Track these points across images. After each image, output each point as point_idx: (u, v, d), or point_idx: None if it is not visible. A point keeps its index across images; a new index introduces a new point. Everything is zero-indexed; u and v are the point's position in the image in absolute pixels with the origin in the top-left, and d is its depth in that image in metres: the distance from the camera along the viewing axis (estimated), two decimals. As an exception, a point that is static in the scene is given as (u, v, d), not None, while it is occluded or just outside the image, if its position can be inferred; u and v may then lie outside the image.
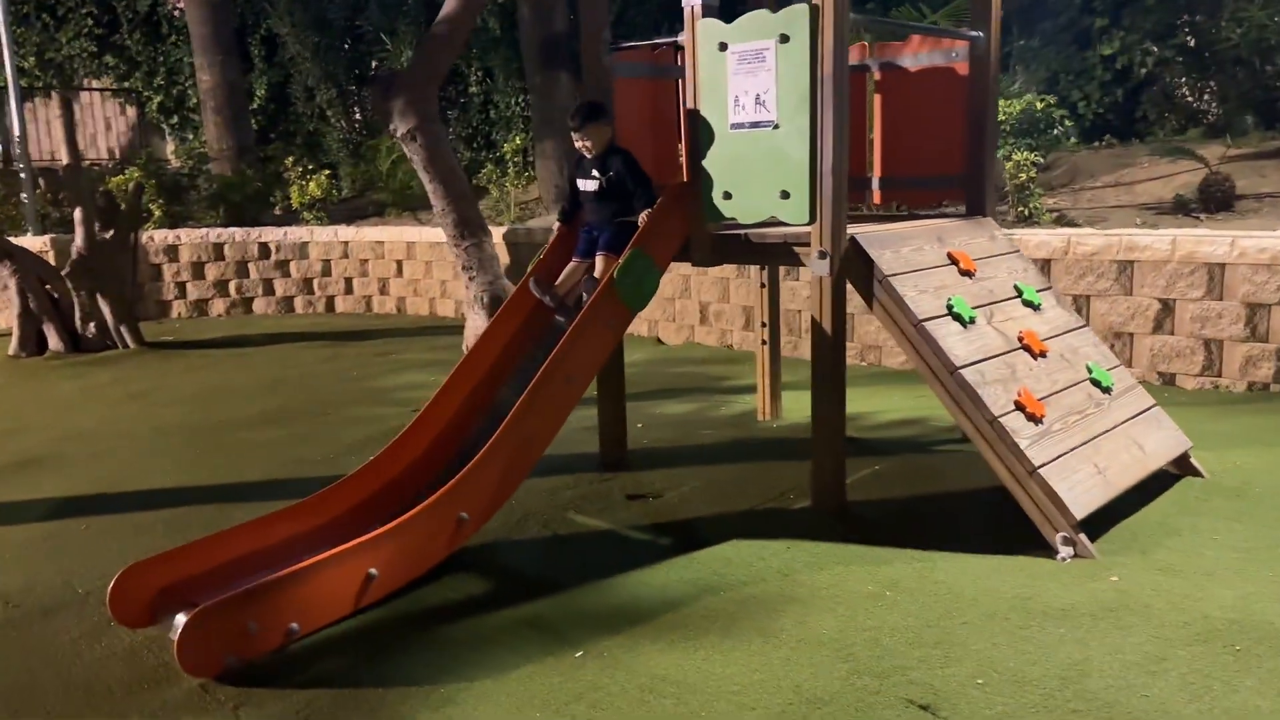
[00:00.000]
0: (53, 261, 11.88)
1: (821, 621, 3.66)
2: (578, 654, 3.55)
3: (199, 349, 11.26)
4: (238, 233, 14.24)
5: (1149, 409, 4.93)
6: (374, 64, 16.56)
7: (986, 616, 3.63)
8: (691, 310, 10.25)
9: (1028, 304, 4.96)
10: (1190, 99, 10.76)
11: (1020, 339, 4.70)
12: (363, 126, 17.25)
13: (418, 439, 4.82)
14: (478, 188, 15.72)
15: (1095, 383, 4.78)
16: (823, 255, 4.55)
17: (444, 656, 3.61)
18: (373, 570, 3.95)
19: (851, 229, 4.64)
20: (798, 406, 6.80)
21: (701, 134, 4.86)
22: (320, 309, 14.19)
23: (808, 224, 4.59)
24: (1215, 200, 8.00)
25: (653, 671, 3.39)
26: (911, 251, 4.73)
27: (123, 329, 11.07)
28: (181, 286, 14.03)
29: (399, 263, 13.89)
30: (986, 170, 5.38)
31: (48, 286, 11.01)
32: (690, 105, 4.91)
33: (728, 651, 3.49)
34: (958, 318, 4.54)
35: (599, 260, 4.89)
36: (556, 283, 4.97)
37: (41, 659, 3.83)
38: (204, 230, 14.22)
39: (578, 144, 4.86)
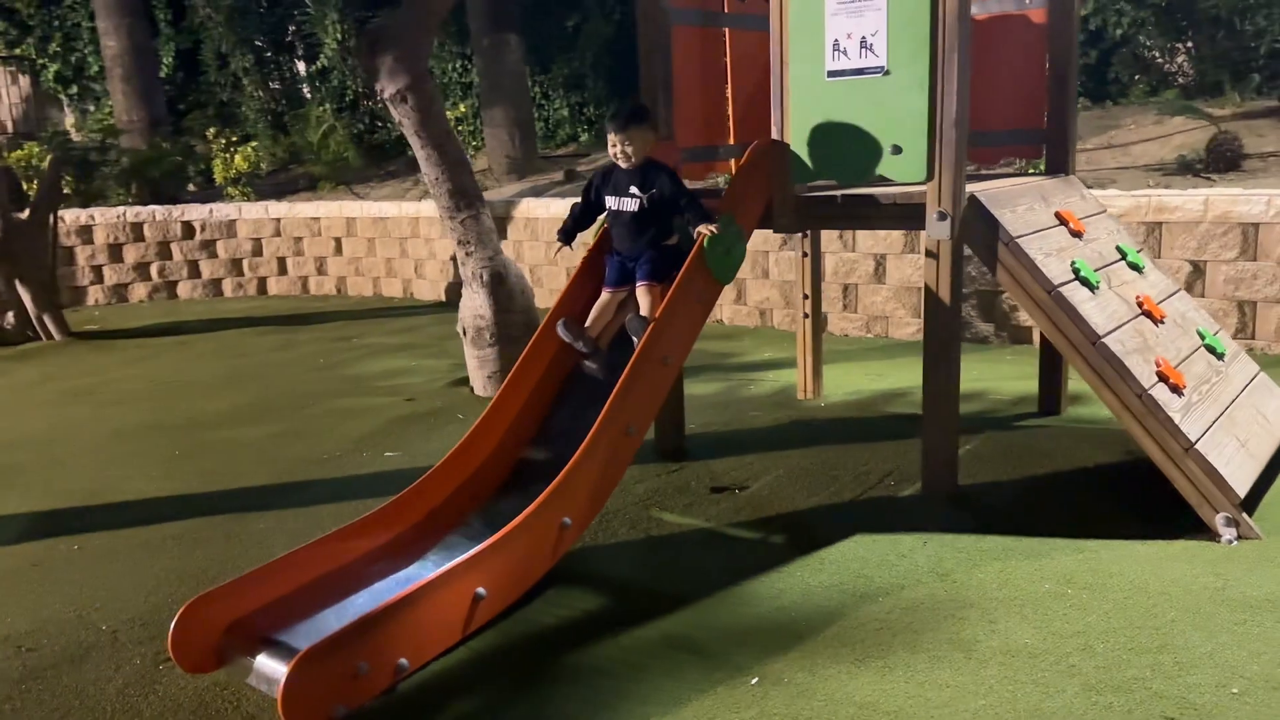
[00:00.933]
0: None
1: (1016, 629, 3.25)
2: (752, 680, 3.07)
3: (131, 339, 10.26)
4: (158, 211, 13.10)
5: (1257, 375, 4.68)
6: (369, 16, 15.45)
7: (1189, 612, 3.28)
8: (676, 283, 9.75)
9: (1132, 266, 4.65)
10: (1161, 60, 10.72)
11: (1140, 304, 4.37)
12: (283, 95, 16.16)
13: (487, 438, 4.22)
14: (412, 159, 14.90)
15: (1210, 349, 4.50)
16: (942, 217, 4.12)
17: (598, 690, 3.08)
18: (481, 590, 3.38)
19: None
20: (831, 384, 6.42)
21: (792, 84, 4.36)
22: (251, 291, 13.20)
23: (924, 182, 4.15)
24: (1224, 160, 7.89)
25: (853, 699, 2.93)
26: (1025, 211, 4.34)
27: (46, 318, 10.00)
28: (98, 271, 12.86)
29: (337, 240, 13.01)
30: (1070, 125, 5.03)
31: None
32: (778, 51, 4.41)
33: (927, 671, 3.05)
34: (1085, 283, 4.18)
35: (642, 292, 4.15)
36: (587, 323, 4.17)
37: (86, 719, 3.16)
38: (120, 209, 13.03)
39: (614, 150, 4.13)
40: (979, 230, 4.19)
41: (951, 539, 3.94)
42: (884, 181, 4.35)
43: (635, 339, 3.99)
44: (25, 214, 9.92)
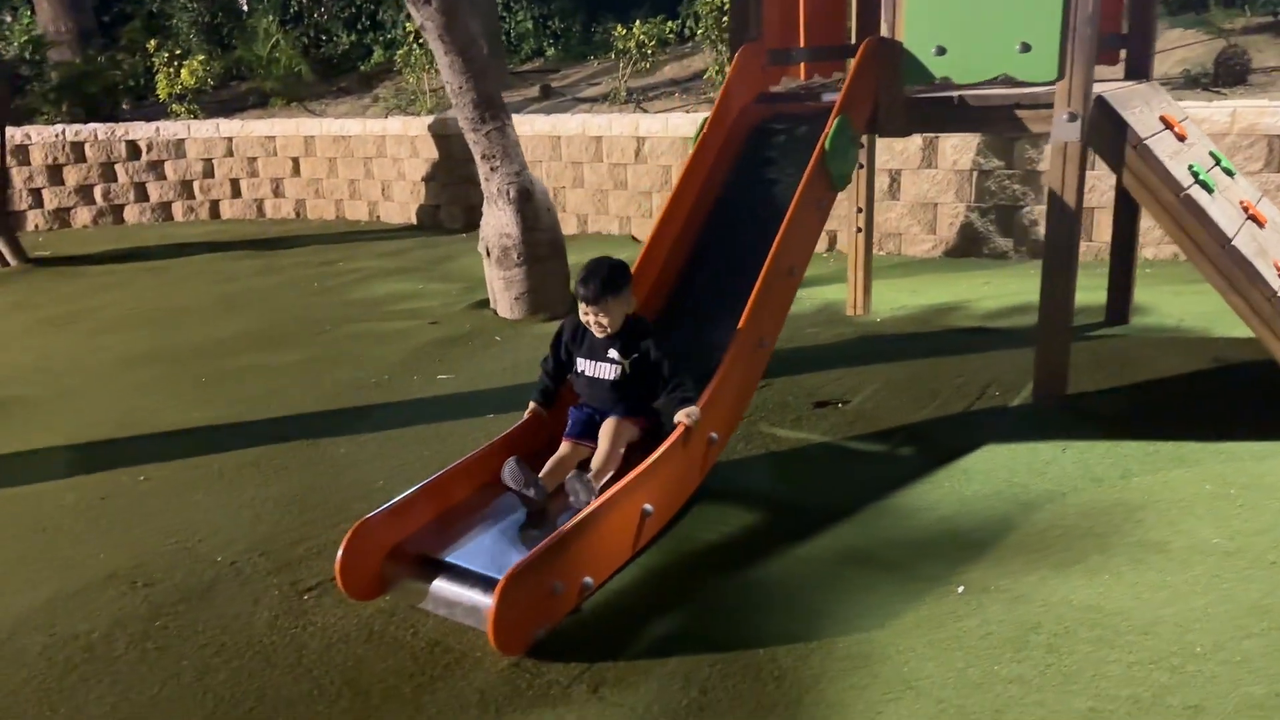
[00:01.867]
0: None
1: (1199, 529, 3.25)
2: (959, 589, 3.00)
3: (94, 264, 9.63)
4: (100, 129, 12.23)
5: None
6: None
7: (1360, 509, 3.33)
8: (674, 203, 9.51)
9: (1226, 172, 4.63)
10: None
11: (1245, 209, 4.37)
12: (217, 7, 15.15)
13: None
14: (366, 75, 14.22)
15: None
16: (1072, 118, 4.02)
17: (797, 606, 2.98)
18: (648, 506, 3.23)
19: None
20: (875, 300, 6.35)
21: (909, -20, 4.18)
22: (204, 215, 12.50)
23: (1054, 82, 4.03)
24: (1233, 74, 7.96)
25: (1070, 602, 2.89)
26: (1140, 114, 4.27)
27: (0, 243, 9.29)
28: (36, 194, 12.00)
29: (295, 161, 12.36)
30: (1152, 29, 4.96)
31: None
32: (893, -56, 4.21)
33: (1132, 572, 3.03)
34: (1204, 186, 4.15)
35: (607, 431, 3.45)
36: (541, 473, 3.40)
37: (251, 656, 2.92)
38: (59, 128, 12.12)
39: (586, 319, 3.51)
40: (1106, 132, 4.10)
41: (1086, 446, 3.92)
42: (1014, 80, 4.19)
43: (573, 499, 3.20)
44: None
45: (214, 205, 12.56)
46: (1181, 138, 4.44)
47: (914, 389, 4.66)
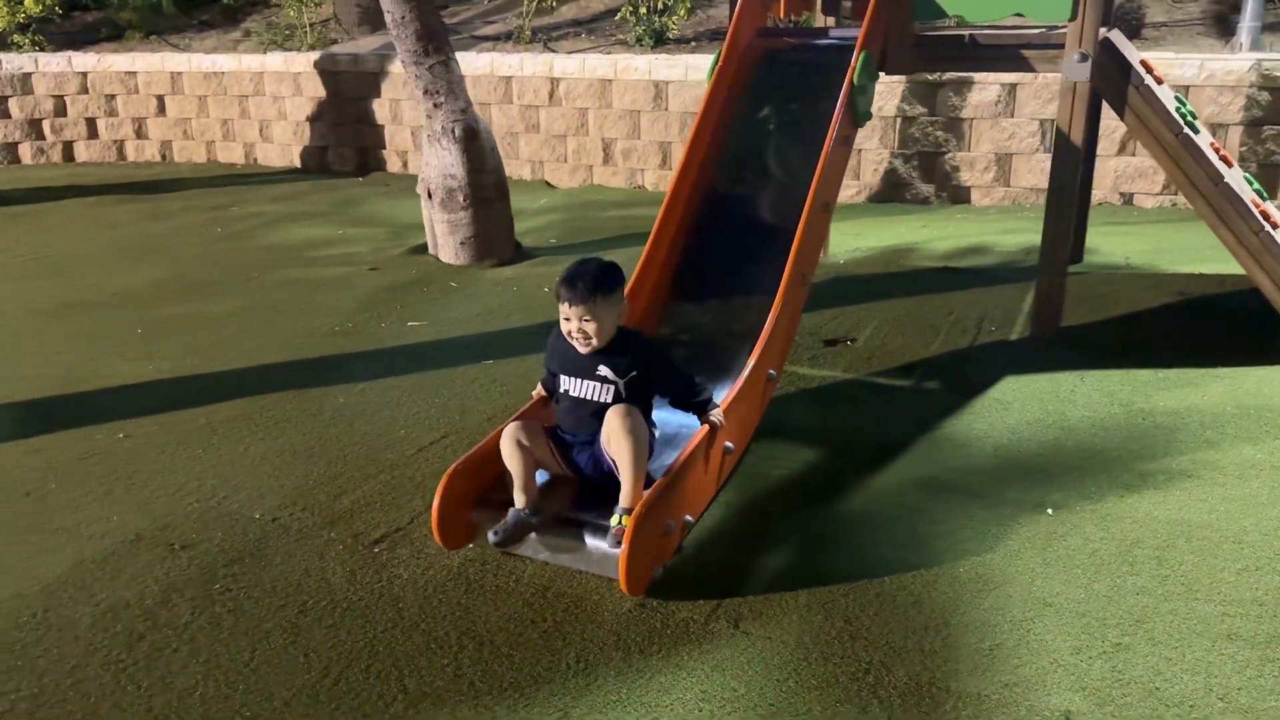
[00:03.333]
0: None
1: (1240, 447, 3.46)
2: (1048, 511, 3.09)
3: (-55, 209, 8.65)
4: (-71, 59, 10.95)
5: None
6: None
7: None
8: (591, 149, 9.35)
9: (1185, 116, 4.89)
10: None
11: (1216, 150, 4.63)
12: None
13: (643, 283, 3.91)
14: (230, 7, 13.23)
15: (1259, 194, 4.85)
16: (1083, 58, 4.14)
17: (899, 535, 3.00)
18: (728, 444, 3.18)
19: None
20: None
21: (925, -86, 4.18)
22: (56, 158, 11.44)
23: (1067, 21, 4.14)
24: (1130, 27, 8.42)
25: (1155, 517, 3.03)
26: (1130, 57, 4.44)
27: None
28: None
29: (160, 99, 11.45)
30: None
31: None
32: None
33: (1199, 487, 3.20)
34: (1192, 128, 4.37)
35: (623, 439, 2.79)
36: (519, 503, 2.90)
37: (342, 614, 2.71)
38: (-121, 56, 10.77)
39: (568, 327, 2.89)
40: (1111, 73, 4.25)
41: (1101, 375, 4.10)
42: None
43: (615, 550, 2.71)
44: None
45: (68, 146, 11.49)
46: (1159, 81, 4.65)
47: (913, 326, 4.75)
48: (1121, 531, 2.96)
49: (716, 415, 3.03)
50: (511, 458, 2.89)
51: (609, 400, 2.89)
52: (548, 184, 9.56)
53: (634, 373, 2.91)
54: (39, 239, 7.55)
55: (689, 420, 3.17)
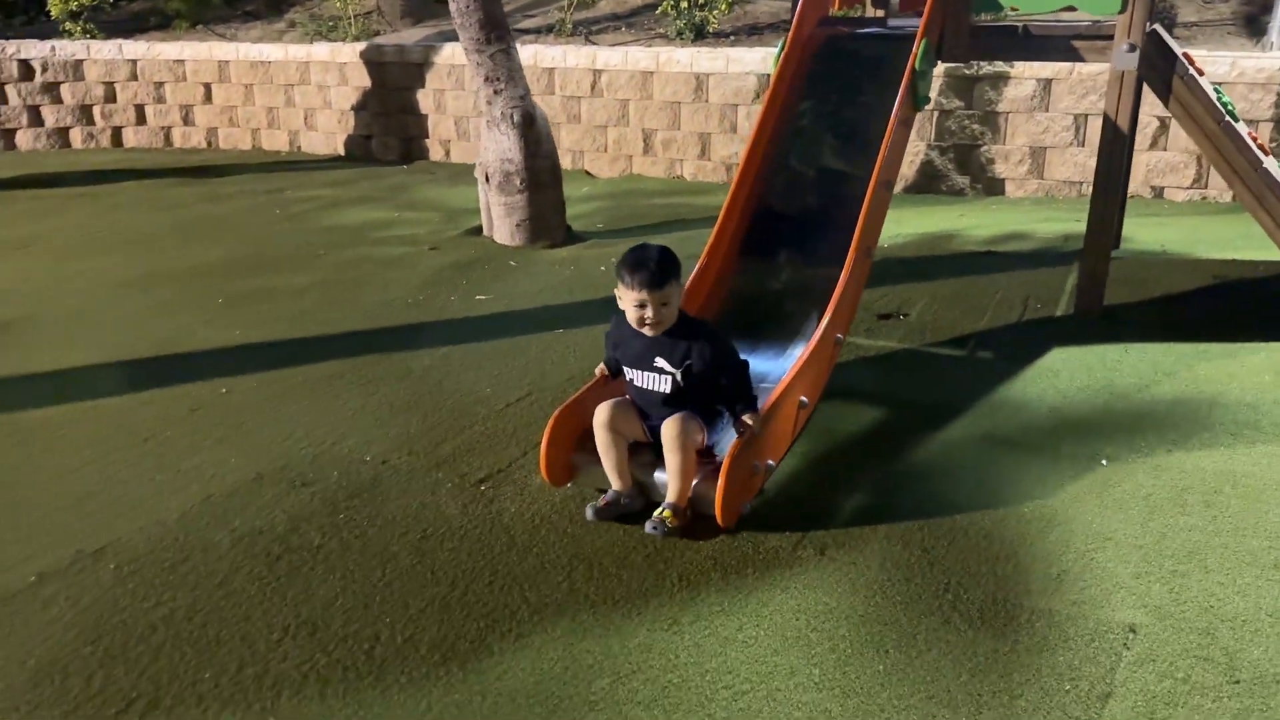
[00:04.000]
0: None
1: (1279, 409, 3.69)
2: (1102, 462, 3.34)
3: (11, 190, 8.96)
4: (-13, 46, 11.28)
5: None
6: None
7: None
8: (631, 139, 9.61)
9: (1225, 106, 5.12)
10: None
11: (1253, 139, 4.86)
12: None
13: (715, 251, 4.17)
14: None
15: (1290, 181, 5.07)
16: (1131, 49, 4.38)
17: (965, 482, 3.25)
18: (803, 398, 3.44)
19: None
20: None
21: (983, -89, 4.43)
22: (105, 143, 11.76)
23: (1117, 14, 4.38)
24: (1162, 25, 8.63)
25: (1203, 469, 3.27)
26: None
27: (-95, 164, 8.51)
28: (-86, 115, 10.99)
29: (207, 86, 11.75)
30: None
31: None
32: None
33: (1243, 447, 3.43)
34: (1232, 116, 4.60)
35: (675, 440, 2.93)
36: (617, 485, 3.08)
37: (460, 539, 2.98)
38: (-62, 41, 11.11)
39: (639, 313, 2.95)
40: (1157, 63, 4.49)
41: (1144, 347, 4.34)
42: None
43: (654, 532, 2.90)
44: None
45: (116, 132, 11.81)
46: (1200, 73, 4.88)
47: (962, 303, 4.99)
48: (1172, 479, 3.21)
49: (755, 421, 2.98)
50: (604, 445, 3.02)
51: (667, 390, 2.97)
52: (588, 173, 9.82)
53: (689, 362, 2.93)
54: (106, 218, 7.85)
55: (770, 371, 3.42)
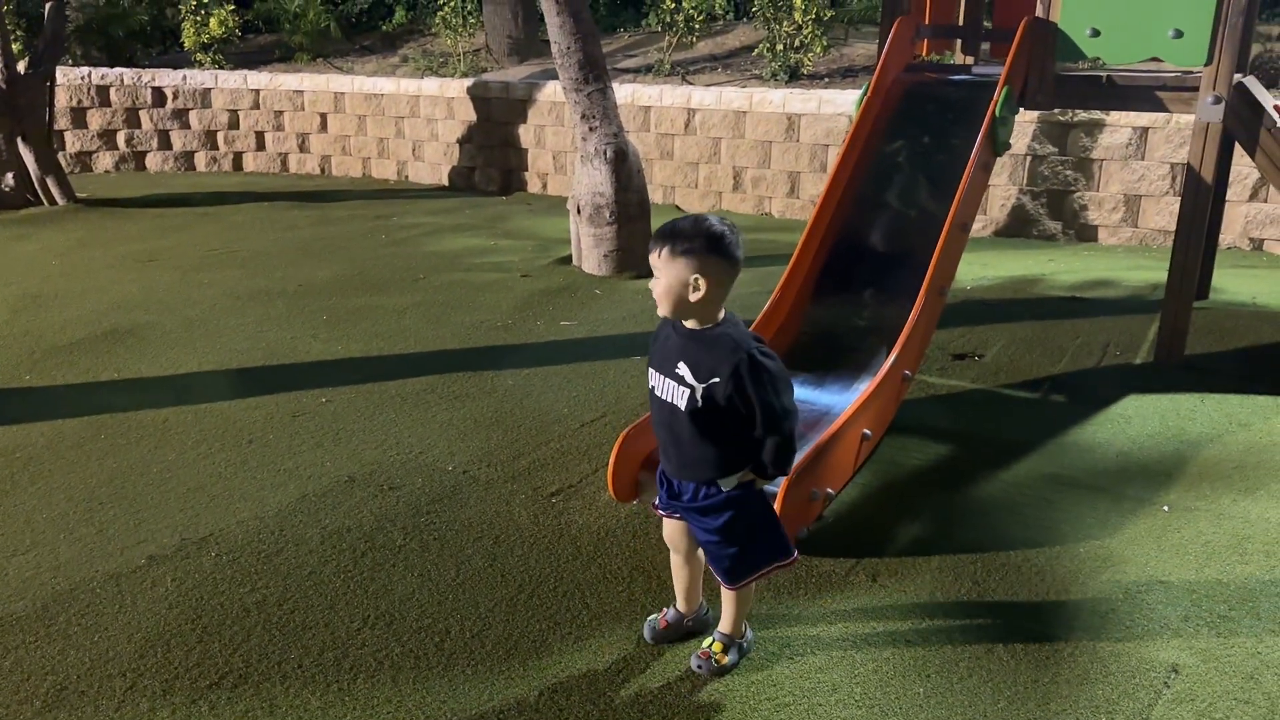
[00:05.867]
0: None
1: (1357, 465, 3.66)
2: (1164, 508, 3.36)
3: (139, 208, 9.60)
4: (126, 74, 12.13)
5: None
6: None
7: None
8: (722, 176, 9.81)
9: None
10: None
11: (1348, 193, 4.79)
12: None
13: (790, 286, 4.32)
14: (389, 35, 14.21)
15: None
16: (1217, 100, 4.40)
17: (1028, 519, 3.32)
18: (867, 430, 3.54)
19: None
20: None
21: (1070, -37, 4.52)
22: (226, 167, 12.47)
23: (1203, 65, 4.40)
24: (1267, 76, 8.48)
25: (1268, 519, 3.27)
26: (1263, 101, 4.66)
27: (49, 181, 9.22)
28: (59, 136, 11.82)
29: (323, 116, 12.37)
30: (1251, 24, 5.36)
31: (-56, 127, 8.93)
32: (1056, -72, 4.54)
33: (1311, 498, 3.42)
34: (1322, 169, 4.56)
35: (728, 604, 2.58)
36: (679, 604, 2.74)
37: (529, 547, 3.16)
38: (85, 70, 11.99)
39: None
40: (1243, 115, 4.49)
41: (1221, 398, 4.32)
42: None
43: (700, 670, 2.57)
44: (26, 66, 9.04)
45: (237, 157, 12.52)
46: (1292, 125, 4.85)
47: (1040, 346, 5.02)
48: (1233, 528, 3.21)
49: (771, 487, 2.55)
50: (674, 565, 2.68)
51: (683, 406, 2.34)
52: (678, 208, 10.04)
53: (716, 379, 2.28)
54: (225, 236, 8.37)
55: (836, 404, 3.54)
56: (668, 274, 2.30)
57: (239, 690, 2.53)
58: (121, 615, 2.85)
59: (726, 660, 2.58)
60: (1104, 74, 4.71)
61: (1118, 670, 2.54)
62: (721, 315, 2.37)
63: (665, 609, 2.76)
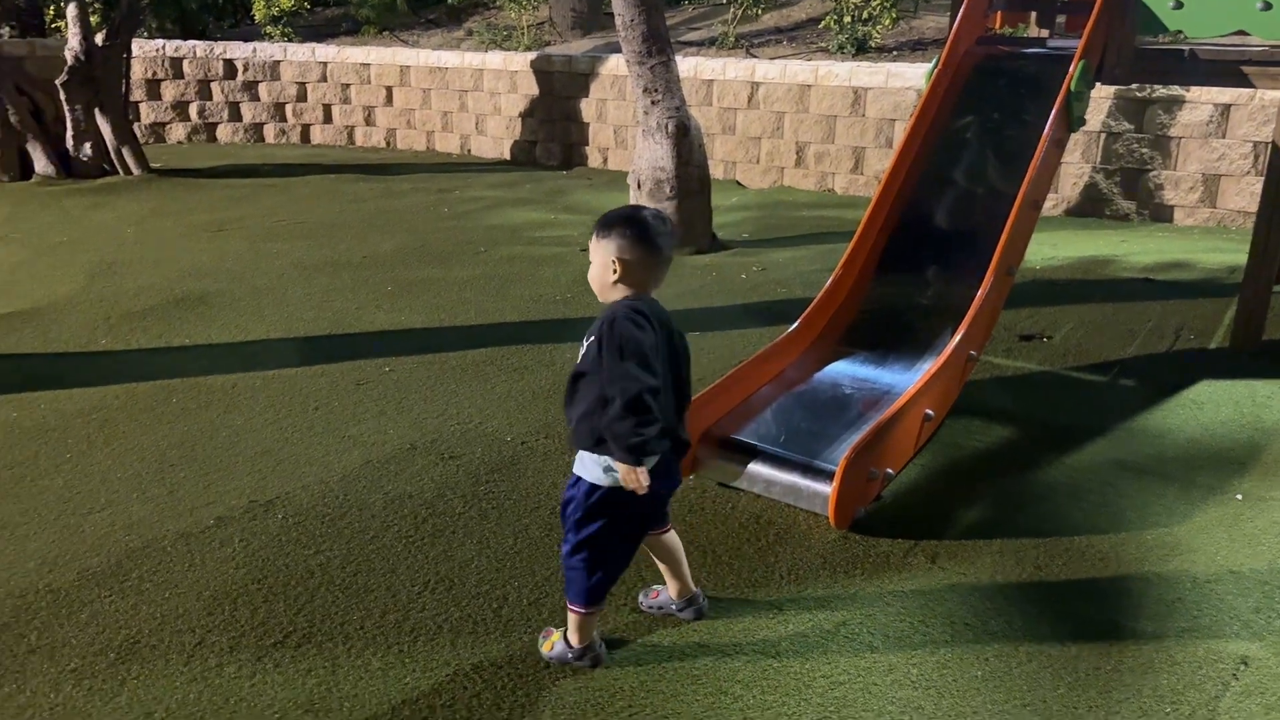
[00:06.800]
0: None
1: None
2: (1237, 497, 3.27)
3: (210, 178, 9.80)
4: (199, 47, 12.35)
5: None
6: None
7: None
8: (784, 151, 9.70)
9: None
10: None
11: None
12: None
13: (853, 263, 4.27)
14: (454, 8, 14.26)
15: None
16: (1306, 75, 4.23)
17: (1092, 505, 3.25)
18: (929, 411, 3.49)
19: None
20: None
21: (1152, -67, 4.36)
22: (295, 139, 12.65)
23: (1291, 40, 4.24)
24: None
25: (1348, 512, 3.16)
26: (1358, 77, 4.47)
27: (125, 151, 9.45)
28: (134, 107, 12.09)
29: (389, 90, 12.47)
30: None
31: (26, 97, 9.19)
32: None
33: (1394, 490, 3.30)
34: None
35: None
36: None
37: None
38: (159, 43, 12.24)
39: None
40: (1332, 91, 4.31)
41: (1300, 385, 4.18)
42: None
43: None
44: (103, 39, 9.25)
45: (305, 130, 12.70)
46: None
47: (1110, 329, 4.90)
48: (1310, 519, 3.12)
49: (616, 473, 2.29)
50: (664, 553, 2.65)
51: (582, 368, 2.34)
52: (738, 184, 9.97)
53: (590, 338, 2.32)
54: (293, 207, 8.51)
55: (897, 383, 3.50)
56: (595, 258, 2.36)
57: (303, 649, 2.59)
58: (191, 573, 2.94)
59: (549, 650, 2.53)
60: (1186, 47, 4.55)
61: (1184, 660, 2.48)
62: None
63: (659, 587, 2.74)
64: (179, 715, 2.34)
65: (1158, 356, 4.57)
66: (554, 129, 11.39)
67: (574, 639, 2.50)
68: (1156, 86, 7.55)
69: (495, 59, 11.64)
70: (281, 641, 2.62)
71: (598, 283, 2.37)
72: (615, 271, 2.31)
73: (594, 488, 2.37)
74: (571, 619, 2.48)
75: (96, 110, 9.17)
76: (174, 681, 2.46)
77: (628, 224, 2.32)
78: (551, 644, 2.57)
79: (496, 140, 11.88)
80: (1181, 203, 7.82)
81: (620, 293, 2.33)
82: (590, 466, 2.37)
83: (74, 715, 2.35)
